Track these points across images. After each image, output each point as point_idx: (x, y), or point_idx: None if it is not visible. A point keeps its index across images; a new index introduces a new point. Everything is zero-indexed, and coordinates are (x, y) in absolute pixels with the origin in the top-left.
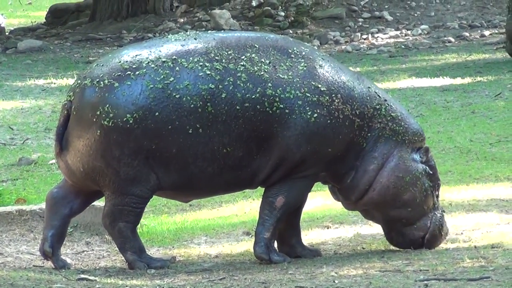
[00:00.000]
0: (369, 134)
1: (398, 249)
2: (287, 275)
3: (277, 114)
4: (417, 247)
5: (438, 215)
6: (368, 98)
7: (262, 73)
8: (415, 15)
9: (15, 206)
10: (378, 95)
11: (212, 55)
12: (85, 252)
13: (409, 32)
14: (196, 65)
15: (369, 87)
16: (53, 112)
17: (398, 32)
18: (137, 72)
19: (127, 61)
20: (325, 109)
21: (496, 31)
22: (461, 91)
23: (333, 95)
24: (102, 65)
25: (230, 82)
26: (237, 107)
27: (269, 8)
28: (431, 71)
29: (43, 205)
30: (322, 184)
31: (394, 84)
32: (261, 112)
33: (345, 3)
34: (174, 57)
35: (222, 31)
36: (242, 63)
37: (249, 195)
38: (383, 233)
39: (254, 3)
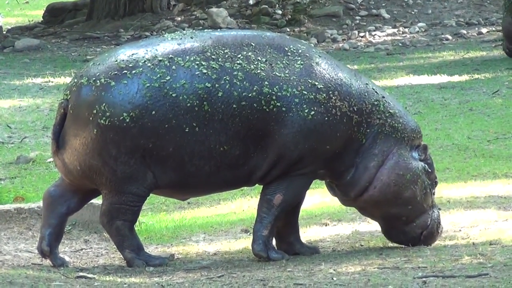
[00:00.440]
0: (368, 130)
1: (396, 246)
2: (285, 273)
3: (274, 112)
4: (416, 244)
5: (436, 212)
6: (366, 94)
7: (258, 71)
8: (413, 12)
9: (13, 204)
10: (376, 92)
11: (209, 54)
12: (83, 250)
13: (406, 29)
14: (193, 64)
15: (366, 84)
16: (51, 110)
17: (395, 30)
18: (133, 71)
19: (123, 60)
20: (322, 106)
21: (493, 29)
22: (459, 88)
23: (330, 92)
24: (99, 64)
25: (227, 81)
26: (234, 106)
27: (266, 6)
28: (429, 69)
29: (41, 203)
30: (320, 180)
31: (392, 81)
32: (258, 111)
33: (342, 1)
34: (170, 56)
35: (219, 30)
36: (238, 62)
37: (247, 192)
38: (381, 230)
39: (251, 1)
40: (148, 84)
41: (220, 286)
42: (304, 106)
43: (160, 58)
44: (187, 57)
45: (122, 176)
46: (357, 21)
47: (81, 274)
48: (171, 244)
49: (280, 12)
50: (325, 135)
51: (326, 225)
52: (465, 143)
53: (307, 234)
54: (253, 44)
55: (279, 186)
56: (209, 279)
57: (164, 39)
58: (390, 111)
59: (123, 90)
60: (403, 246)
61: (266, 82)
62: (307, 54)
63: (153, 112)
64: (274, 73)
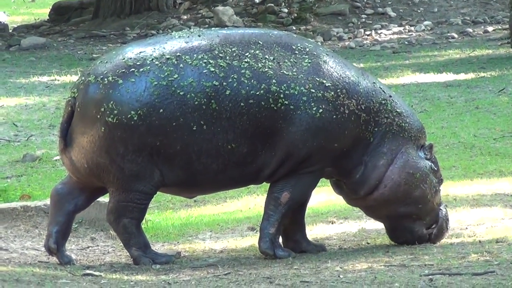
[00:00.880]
0: (376, 129)
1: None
2: (292, 270)
3: (282, 111)
4: (423, 242)
5: (444, 210)
6: (374, 93)
7: (266, 69)
8: (418, 11)
9: (20, 202)
10: (383, 91)
11: (216, 52)
12: (90, 248)
13: (412, 28)
14: (200, 62)
15: (374, 82)
16: (57, 108)
17: (401, 28)
18: (141, 69)
19: (131, 58)
20: (330, 104)
21: (500, 27)
22: (465, 86)
23: (338, 90)
24: (106, 62)
25: (234, 79)
26: (242, 104)
27: (272, 4)
28: (435, 67)
29: (47, 201)
30: (326, 179)
31: (398, 80)
32: (266, 109)
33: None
34: (178, 54)
35: (226, 28)
36: (246, 60)
37: (254, 190)
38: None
39: (257, 0)
40: (156, 82)
41: (227, 283)
42: (312, 104)
43: (167, 56)
44: (195, 55)
45: (129, 174)
46: (363, 20)
47: (87, 271)
48: (178, 242)
49: (286, 10)
50: (333, 133)
51: (332, 223)
52: (471, 141)
53: (313, 232)
54: (261, 43)
55: (287, 184)
56: (215, 276)
57: (171, 37)
58: (397, 110)
59: (131, 88)
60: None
61: (274, 80)
62: (315, 52)
63: (161, 110)
64: (281, 71)
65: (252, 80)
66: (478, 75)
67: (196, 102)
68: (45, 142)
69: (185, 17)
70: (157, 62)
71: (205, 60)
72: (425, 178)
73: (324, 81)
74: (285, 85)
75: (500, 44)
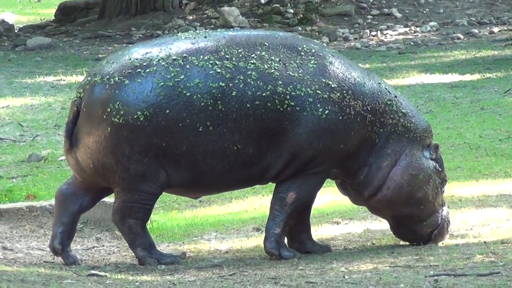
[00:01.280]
0: (381, 130)
1: (408, 244)
2: (297, 271)
3: (288, 112)
4: (425, 242)
5: (446, 210)
6: (379, 94)
7: (272, 71)
8: (424, 12)
9: (25, 202)
10: (389, 91)
11: (222, 53)
12: (95, 248)
13: (418, 29)
14: (207, 63)
15: (379, 83)
16: (63, 109)
17: (407, 29)
18: (147, 70)
19: (137, 59)
20: (336, 105)
21: (505, 28)
22: (470, 87)
23: (344, 92)
24: (112, 62)
25: (241, 80)
26: (248, 105)
27: (278, 5)
28: (440, 68)
29: (53, 201)
30: (332, 180)
31: (403, 80)
32: (272, 110)
33: (354, 0)
34: (184, 55)
35: (232, 29)
36: (252, 61)
37: (259, 191)
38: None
39: (263, 0)
40: (162, 83)
41: (232, 284)
42: (318, 105)
43: (174, 57)
44: (201, 56)
45: (135, 174)
46: (369, 20)
47: (92, 272)
48: (183, 242)
49: (292, 11)
50: (339, 134)
51: (337, 224)
52: (477, 142)
53: (318, 232)
54: (267, 44)
55: (292, 184)
56: (220, 277)
57: (178, 38)
58: (403, 110)
59: (137, 88)
60: (415, 244)
61: (280, 82)
62: (320, 54)
63: (167, 111)
64: (287, 72)
65: (258, 82)
66: (484, 76)
67: (203, 103)
68: (51, 142)
69: (191, 17)
70: (163, 63)
71: (211, 61)
72: (428, 179)
73: (330, 82)
74: (291, 86)
75: (505, 45)
